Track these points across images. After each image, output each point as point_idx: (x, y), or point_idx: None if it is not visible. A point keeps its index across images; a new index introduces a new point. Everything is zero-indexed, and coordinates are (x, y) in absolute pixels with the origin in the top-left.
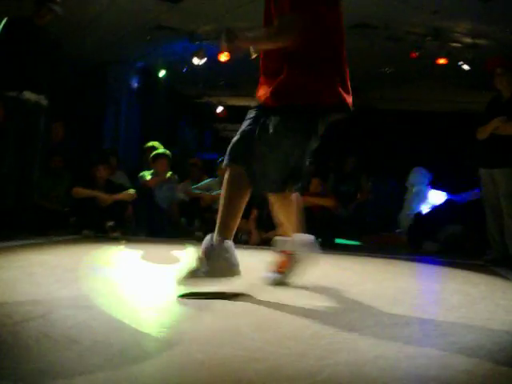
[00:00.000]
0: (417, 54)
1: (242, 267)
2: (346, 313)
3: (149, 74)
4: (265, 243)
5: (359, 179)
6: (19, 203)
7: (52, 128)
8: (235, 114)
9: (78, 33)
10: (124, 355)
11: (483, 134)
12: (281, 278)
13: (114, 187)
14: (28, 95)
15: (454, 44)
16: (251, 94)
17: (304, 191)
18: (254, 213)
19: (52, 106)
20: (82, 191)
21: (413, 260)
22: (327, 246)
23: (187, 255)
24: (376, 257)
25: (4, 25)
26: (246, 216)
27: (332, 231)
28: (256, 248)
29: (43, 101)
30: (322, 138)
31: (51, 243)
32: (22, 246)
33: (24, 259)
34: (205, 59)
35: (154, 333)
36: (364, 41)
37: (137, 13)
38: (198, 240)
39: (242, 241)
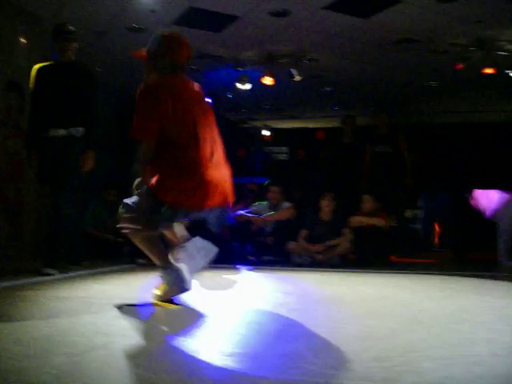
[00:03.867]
0: (462, 65)
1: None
2: (408, 333)
3: None
4: (318, 265)
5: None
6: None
7: (81, 157)
8: (280, 137)
9: (124, 66)
10: (186, 383)
11: None
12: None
13: None
14: (53, 132)
15: (500, 52)
16: (296, 116)
17: (356, 210)
18: (304, 233)
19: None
20: None
21: (470, 276)
22: (383, 264)
23: (242, 279)
24: (432, 274)
25: (33, 75)
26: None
27: (386, 249)
28: (310, 270)
29: (74, 132)
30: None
31: (107, 273)
32: (80, 277)
33: (82, 289)
34: (248, 84)
35: (218, 360)
36: (408, 56)
37: None
38: (250, 264)
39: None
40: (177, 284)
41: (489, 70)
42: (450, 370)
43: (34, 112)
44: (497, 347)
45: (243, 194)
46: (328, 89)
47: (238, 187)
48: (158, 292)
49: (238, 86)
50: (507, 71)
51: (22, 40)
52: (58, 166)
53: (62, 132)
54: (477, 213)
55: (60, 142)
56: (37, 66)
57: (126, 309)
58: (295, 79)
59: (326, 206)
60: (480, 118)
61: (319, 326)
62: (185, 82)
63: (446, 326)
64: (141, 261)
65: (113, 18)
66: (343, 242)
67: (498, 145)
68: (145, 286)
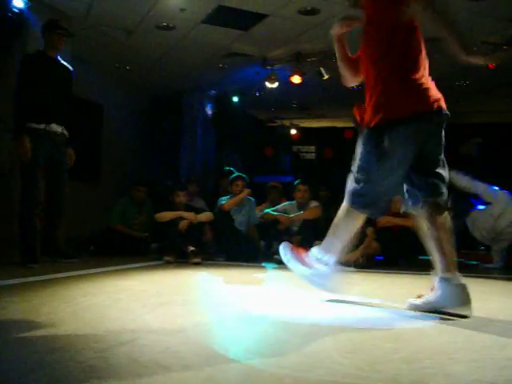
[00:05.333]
0: (494, 64)
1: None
2: (437, 335)
3: (222, 100)
4: (345, 265)
5: None
6: (52, 229)
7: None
8: (308, 136)
9: (152, 64)
10: (212, 381)
11: None
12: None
13: (193, 211)
14: (55, 127)
15: None
16: (323, 115)
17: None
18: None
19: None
20: (165, 214)
21: (502, 278)
22: (411, 265)
23: (270, 278)
24: (463, 275)
25: (23, 60)
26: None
27: (415, 250)
28: None
29: (65, 131)
30: None
31: (135, 269)
32: (108, 273)
33: (110, 285)
34: (277, 83)
35: (243, 358)
36: (437, 54)
37: (208, 42)
38: (277, 263)
39: None
40: (458, 300)
41: None
42: (480, 373)
43: (27, 100)
44: None
45: (269, 193)
46: (356, 87)
47: (263, 186)
48: (419, 301)
49: (267, 84)
50: None
51: None
52: (54, 161)
53: (60, 129)
54: None
55: (58, 138)
56: (28, 54)
57: (153, 304)
58: (324, 78)
59: None
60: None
61: (347, 326)
62: None
63: (476, 329)
64: (167, 258)
65: (142, 17)
66: (367, 242)
67: None
68: (171, 281)
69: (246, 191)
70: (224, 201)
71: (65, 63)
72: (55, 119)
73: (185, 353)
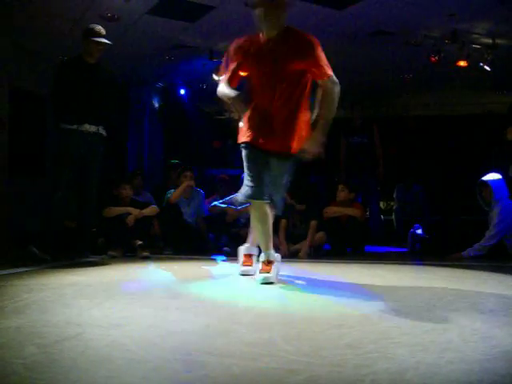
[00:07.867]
0: (436, 58)
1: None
2: (381, 321)
3: (170, 93)
4: (293, 255)
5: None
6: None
7: None
8: None
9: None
10: (159, 372)
11: None
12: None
13: (138, 205)
14: (87, 127)
15: (474, 45)
16: None
17: (332, 200)
18: (284, 223)
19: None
20: (113, 210)
21: (444, 265)
22: (357, 254)
23: (216, 270)
24: (407, 264)
25: (59, 66)
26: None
27: (361, 240)
28: (285, 260)
29: (102, 130)
30: None
31: (80, 264)
32: (53, 268)
33: (55, 281)
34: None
35: (188, 349)
36: (382, 48)
37: (154, 33)
38: (226, 255)
39: None
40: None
41: (462, 63)
42: (422, 356)
43: (61, 104)
44: (468, 333)
45: (218, 185)
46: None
47: (212, 178)
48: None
49: (214, 76)
50: (480, 64)
51: None
52: (90, 159)
53: (93, 129)
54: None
55: (91, 137)
56: (63, 61)
57: (98, 299)
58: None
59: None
60: (453, 111)
61: (293, 314)
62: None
63: (419, 314)
64: (112, 253)
65: (86, 7)
66: (311, 235)
67: (472, 137)
68: (118, 276)
69: (186, 182)
70: (171, 193)
71: (105, 68)
72: (88, 120)
73: (130, 346)
